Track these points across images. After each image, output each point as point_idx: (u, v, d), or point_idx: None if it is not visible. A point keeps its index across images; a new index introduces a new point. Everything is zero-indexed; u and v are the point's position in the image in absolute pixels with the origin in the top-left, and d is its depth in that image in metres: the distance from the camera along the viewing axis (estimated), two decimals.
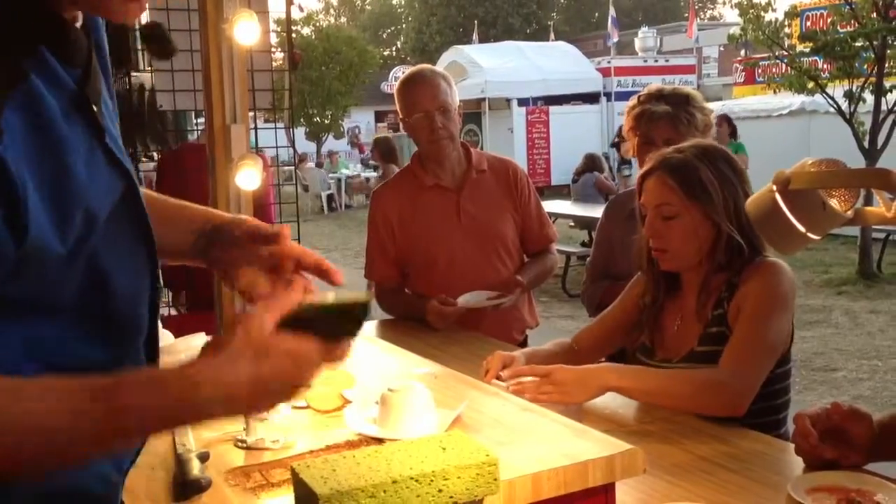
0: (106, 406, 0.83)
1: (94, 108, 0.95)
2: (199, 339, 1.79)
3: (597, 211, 7.75)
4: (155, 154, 4.94)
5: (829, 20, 9.73)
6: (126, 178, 1.00)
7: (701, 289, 2.00)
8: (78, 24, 0.96)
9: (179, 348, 1.73)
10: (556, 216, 8.73)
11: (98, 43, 1.02)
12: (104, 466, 1.01)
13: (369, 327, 2.15)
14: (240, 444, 1.39)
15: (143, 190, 1.17)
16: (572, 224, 10.14)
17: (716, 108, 12.57)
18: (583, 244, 9.60)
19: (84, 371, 0.86)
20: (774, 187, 1.37)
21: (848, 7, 8.77)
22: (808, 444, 1.55)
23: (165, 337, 1.76)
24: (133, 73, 4.30)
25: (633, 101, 2.72)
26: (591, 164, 11.05)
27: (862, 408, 1.61)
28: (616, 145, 14.15)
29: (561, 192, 16.11)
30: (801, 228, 1.35)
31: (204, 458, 1.32)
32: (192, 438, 1.40)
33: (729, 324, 1.93)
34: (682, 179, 1.94)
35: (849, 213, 1.32)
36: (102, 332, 0.98)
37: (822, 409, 1.59)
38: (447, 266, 2.80)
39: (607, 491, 1.23)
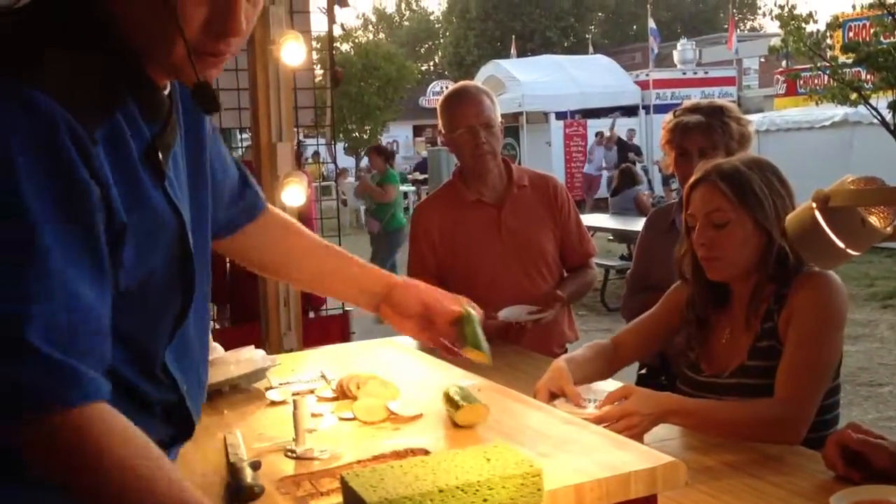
0: None
1: (160, 156, 1.11)
2: (247, 352, 1.84)
3: (636, 224, 7.69)
4: None
5: (871, 31, 9.60)
6: (179, 220, 1.14)
7: (751, 299, 1.98)
8: (166, 91, 1.15)
9: (230, 360, 1.78)
10: (595, 230, 8.71)
11: (182, 105, 1.20)
12: None
13: (410, 341, 2.19)
14: (290, 454, 1.43)
15: (333, 247, 1.60)
16: (611, 238, 10.10)
17: (756, 119, 12.46)
18: (622, 258, 9.56)
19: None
20: (814, 205, 1.39)
21: (891, 17, 8.68)
22: (837, 471, 1.57)
23: (216, 350, 1.81)
24: None
25: (668, 116, 2.74)
26: (628, 179, 10.94)
27: (871, 438, 1.59)
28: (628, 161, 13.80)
29: (598, 205, 16.03)
30: (841, 245, 1.36)
31: (256, 466, 1.36)
32: (244, 448, 1.45)
33: (780, 337, 1.91)
34: (733, 185, 1.92)
35: (888, 228, 1.33)
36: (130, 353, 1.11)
37: (842, 436, 1.60)
38: (488, 281, 2.82)
39: (649, 503, 1.25)
